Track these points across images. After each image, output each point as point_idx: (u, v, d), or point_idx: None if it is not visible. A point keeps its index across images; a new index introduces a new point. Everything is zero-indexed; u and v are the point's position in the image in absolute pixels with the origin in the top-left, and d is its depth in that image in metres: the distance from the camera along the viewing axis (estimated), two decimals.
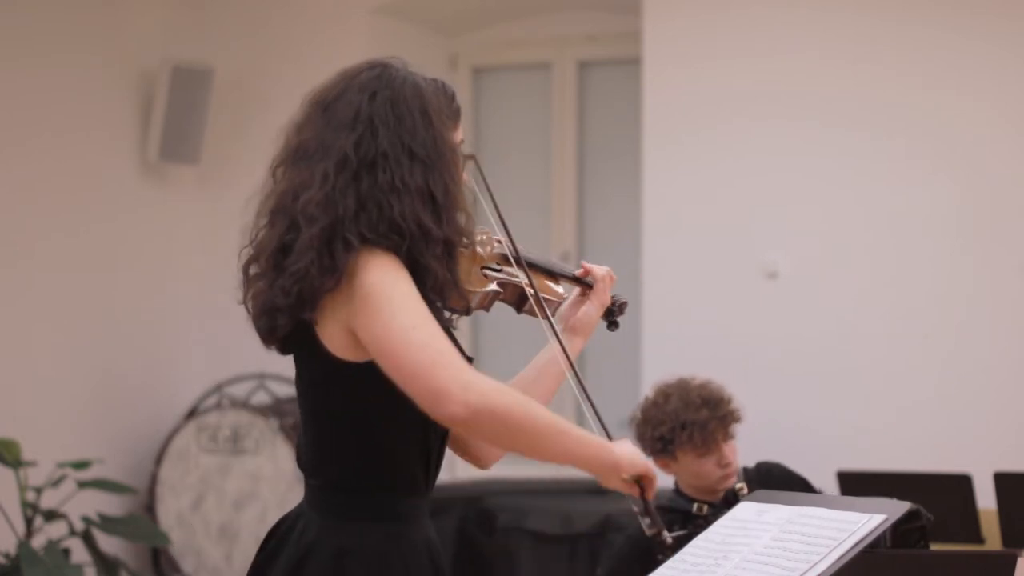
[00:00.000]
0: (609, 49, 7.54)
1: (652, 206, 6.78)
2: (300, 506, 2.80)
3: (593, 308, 3.03)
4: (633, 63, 7.08)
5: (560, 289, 3.02)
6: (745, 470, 4.24)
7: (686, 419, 4.14)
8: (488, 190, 2.82)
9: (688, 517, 4.15)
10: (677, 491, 4.25)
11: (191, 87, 7.23)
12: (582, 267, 3.06)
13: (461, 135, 2.79)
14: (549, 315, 2.93)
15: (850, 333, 6.48)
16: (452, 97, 2.78)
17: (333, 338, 2.64)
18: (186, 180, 7.53)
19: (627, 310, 3.12)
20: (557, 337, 2.94)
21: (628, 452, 2.71)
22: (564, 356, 2.93)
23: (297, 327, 2.67)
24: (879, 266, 6.48)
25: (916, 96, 6.44)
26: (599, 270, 3.05)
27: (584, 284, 3.04)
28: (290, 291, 2.61)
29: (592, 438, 2.69)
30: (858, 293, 6.49)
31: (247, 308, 2.74)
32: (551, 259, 3.07)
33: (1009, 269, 6.30)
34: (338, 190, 2.61)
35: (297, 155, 2.70)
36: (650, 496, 2.74)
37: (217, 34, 7.49)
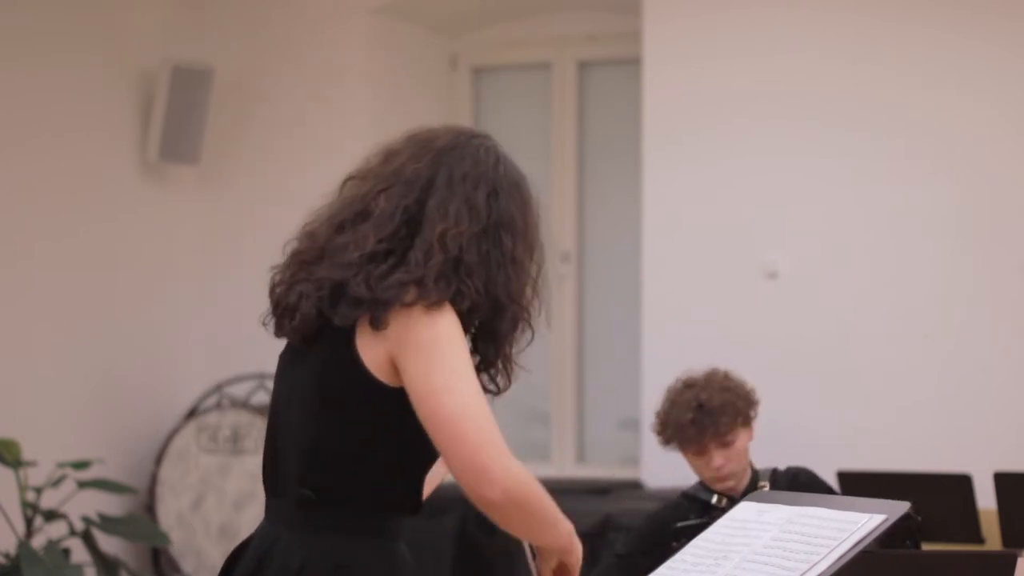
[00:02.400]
0: (609, 49, 7.53)
1: (652, 206, 6.78)
2: (265, 530, 2.78)
3: None
4: (633, 63, 7.08)
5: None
6: (774, 471, 4.32)
7: (675, 418, 4.29)
8: None
9: (706, 508, 4.25)
10: (701, 482, 4.37)
11: (191, 87, 7.23)
12: None
13: None
14: None
15: (850, 333, 6.48)
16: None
17: (370, 353, 2.64)
18: (186, 180, 7.53)
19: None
20: None
21: (578, 543, 2.82)
22: None
23: (338, 331, 2.66)
24: (879, 266, 6.48)
25: (916, 96, 6.44)
26: None
27: None
28: (377, 288, 2.61)
29: (568, 525, 2.78)
30: (858, 293, 6.49)
31: (274, 292, 2.74)
32: None
33: (1009, 269, 6.30)
34: (467, 235, 2.67)
35: (406, 178, 2.72)
36: None
37: (217, 34, 7.49)
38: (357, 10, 7.37)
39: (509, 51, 7.72)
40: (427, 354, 2.59)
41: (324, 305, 2.65)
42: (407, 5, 7.46)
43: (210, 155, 7.38)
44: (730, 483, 4.27)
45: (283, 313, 2.72)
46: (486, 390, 2.76)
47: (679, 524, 4.17)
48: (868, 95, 6.49)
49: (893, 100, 6.46)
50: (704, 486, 4.34)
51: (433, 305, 2.61)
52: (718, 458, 4.24)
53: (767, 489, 4.23)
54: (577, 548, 2.82)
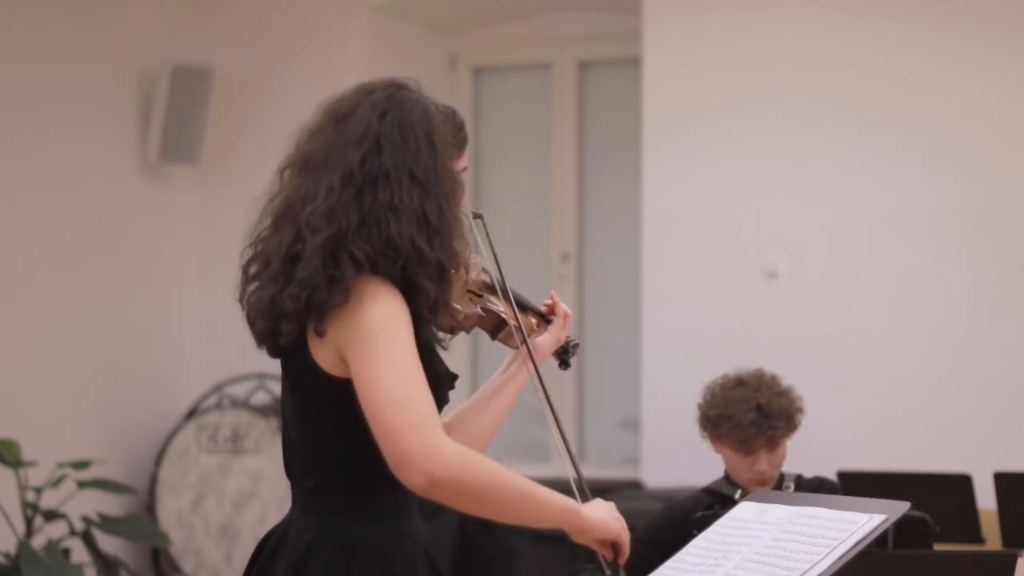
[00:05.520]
0: (609, 49, 7.54)
1: (652, 206, 6.78)
2: (289, 515, 2.83)
3: (549, 342, 3.12)
4: (633, 63, 7.08)
5: (533, 321, 3.12)
6: (799, 477, 4.31)
7: (733, 414, 4.21)
8: (492, 248, 2.96)
9: (727, 503, 4.20)
10: (726, 476, 4.33)
11: (191, 87, 7.23)
12: (551, 297, 3.15)
13: (465, 163, 2.89)
14: (529, 345, 3.02)
15: (850, 333, 6.48)
16: (460, 127, 2.88)
17: (323, 355, 2.70)
18: (186, 180, 7.53)
19: (578, 352, 3.21)
20: (535, 367, 3.02)
21: (599, 518, 2.81)
22: (542, 388, 3.00)
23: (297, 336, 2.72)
24: (880, 266, 6.48)
25: (916, 95, 6.44)
26: (562, 307, 3.14)
27: (545, 319, 3.14)
28: (298, 298, 2.66)
29: (560, 502, 2.76)
30: (858, 293, 6.49)
31: (243, 306, 2.80)
32: (520, 293, 3.15)
33: (1010, 269, 6.30)
34: (341, 204, 2.68)
35: (305, 163, 2.77)
36: (621, 560, 2.86)
37: (217, 34, 7.49)
38: (357, 10, 7.38)
39: (509, 51, 7.73)
40: (358, 348, 2.63)
41: (273, 323, 2.72)
42: (407, 5, 7.46)
43: (210, 155, 7.38)
44: (766, 486, 4.24)
45: (251, 327, 2.79)
46: (438, 327, 2.78)
47: (699, 514, 4.15)
48: (868, 94, 6.49)
49: (893, 99, 6.46)
50: (728, 481, 4.31)
51: (357, 296, 2.63)
52: (763, 462, 4.22)
53: (792, 491, 4.22)
54: (606, 529, 2.81)
